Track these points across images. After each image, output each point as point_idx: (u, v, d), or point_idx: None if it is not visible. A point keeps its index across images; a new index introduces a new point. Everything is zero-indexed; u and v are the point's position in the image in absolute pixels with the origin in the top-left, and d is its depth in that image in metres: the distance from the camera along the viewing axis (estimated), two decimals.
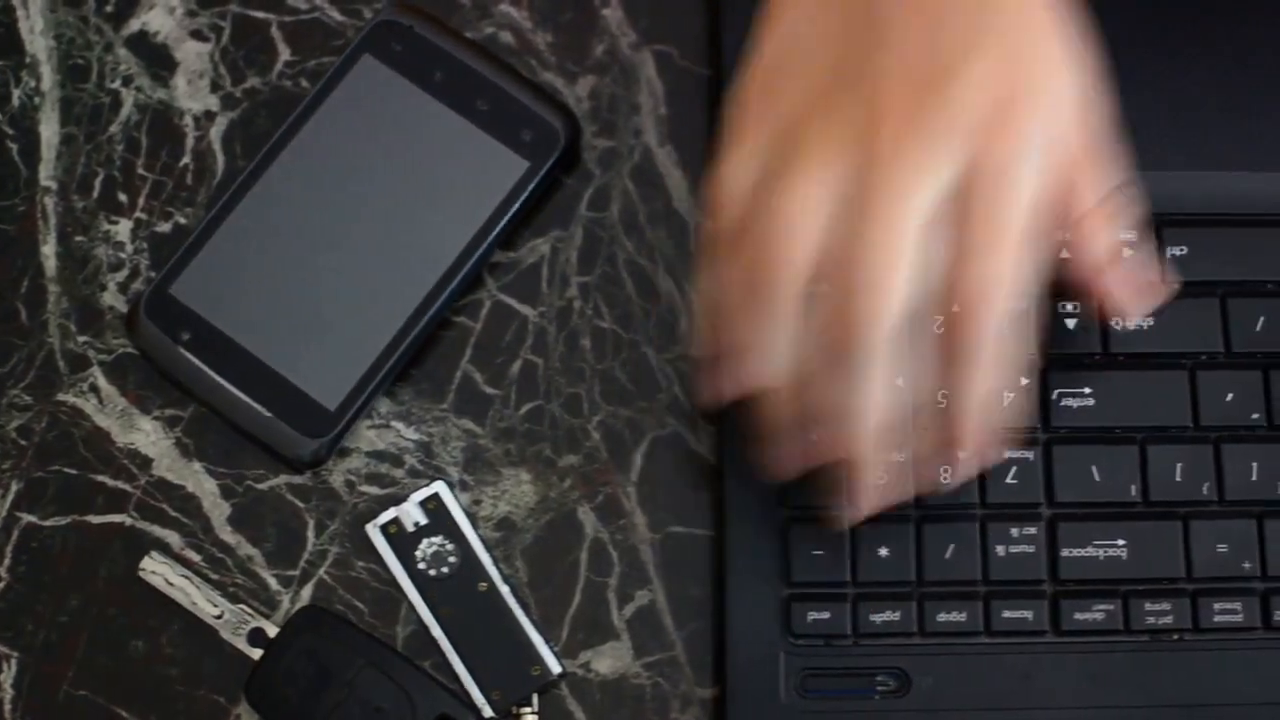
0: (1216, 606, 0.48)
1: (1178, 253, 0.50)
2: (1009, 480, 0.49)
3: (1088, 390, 0.49)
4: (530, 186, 0.51)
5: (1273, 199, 0.50)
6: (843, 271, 0.40)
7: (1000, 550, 0.48)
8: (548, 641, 0.49)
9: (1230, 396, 0.49)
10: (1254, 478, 0.49)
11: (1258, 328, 0.50)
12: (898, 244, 0.40)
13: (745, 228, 0.42)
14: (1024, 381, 0.49)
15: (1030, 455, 0.49)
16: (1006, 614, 0.48)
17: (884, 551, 0.48)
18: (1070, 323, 0.50)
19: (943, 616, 0.48)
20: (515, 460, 0.50)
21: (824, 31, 0.42)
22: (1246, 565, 0.49)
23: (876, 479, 0.44)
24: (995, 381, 0.42)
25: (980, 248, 0.40)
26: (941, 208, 0.40)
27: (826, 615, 0.48)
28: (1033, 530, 0.48)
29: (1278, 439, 0.49)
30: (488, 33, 0.53)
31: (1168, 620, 0.48)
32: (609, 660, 0.49)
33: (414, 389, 0.51)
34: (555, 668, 0.49)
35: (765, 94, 0.42)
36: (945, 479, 0.46)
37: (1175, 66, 0.51)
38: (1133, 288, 0.47)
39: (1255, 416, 0.49)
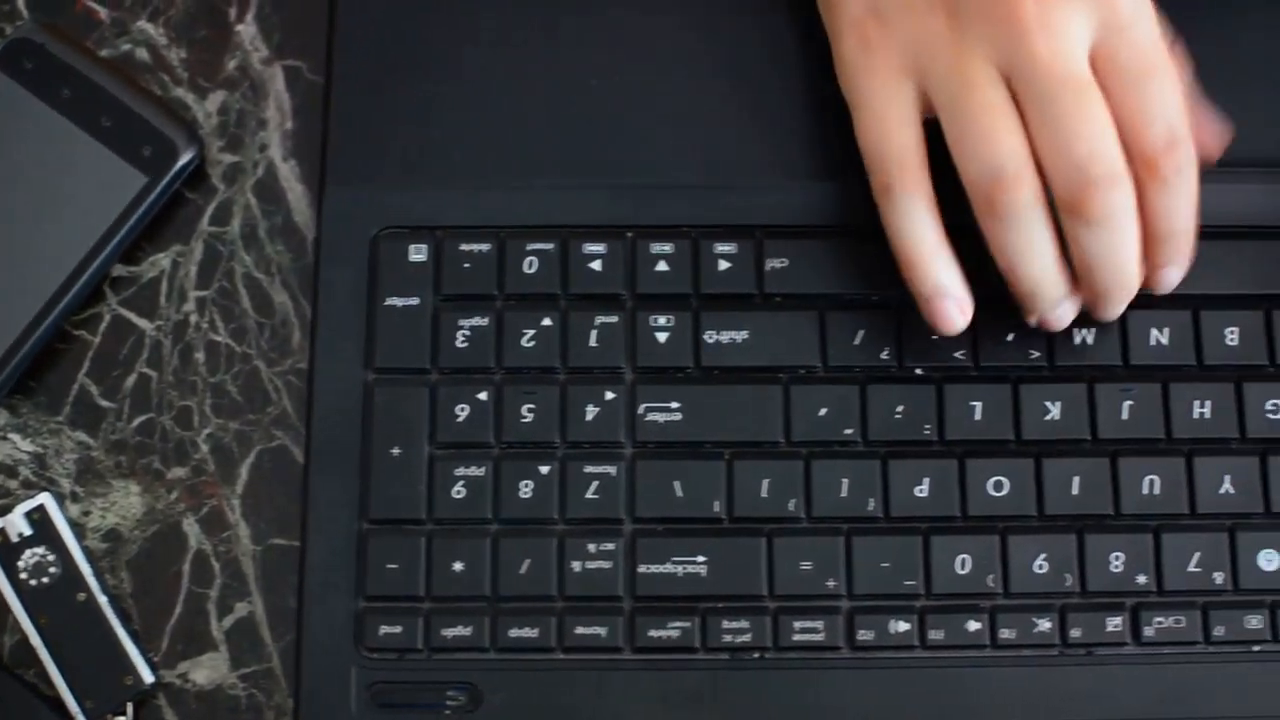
0: (797, 625, 0.48)
1: (778, 265, 0.50)
2: (590, 495, 0.48)
3: (676, 405, 0.49)
4: (148, 201, 0.51)
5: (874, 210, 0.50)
6: (1067, 154, 0.43)
7: (577, 566, 0.48)
8: (143, 651, 0.49)
9: (824, 412, 0.49)
10: (843, 494, 0.48)
11: (856, 341, 0.49)
12: (1093, 100, 0.43)
13: (920, 164, 0.45)
14: (610, 396, 0.49)
15: (613, 470, 0.48)
16: (580, 630, 0.48)
17: (459, 566, 0.48)
18: (661, 336, 0.49)
19: (515, 632, 0.48)
20: (125, 472, 0.51)
21: None
22: (831, 583, 0.48)
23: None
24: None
25: (1144, 76, 0.43)
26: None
27: (399, 629, 0.48)
28: (611, 546, 0.48)
29: (871, 455, 0.48)
30: (125, 49, 0.54)
31: (746, 638, 0.48)
32: (206, 671, 0.50)
33: (32, 401, 0.52)
34: (148, 677, 0.49)
35: (876, 37, 0.45)
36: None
37: (772, 76, 0.51)
38: (1210, 127, 0.47)
39: (849, 432, 0.49)
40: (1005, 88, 0.44)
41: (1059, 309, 0.47)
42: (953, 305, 0.46)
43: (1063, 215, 0.44)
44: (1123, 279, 0.45)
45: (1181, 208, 0.45)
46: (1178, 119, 0.44)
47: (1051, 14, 0.43)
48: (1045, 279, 0.46)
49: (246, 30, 0.54)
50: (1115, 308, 0.47)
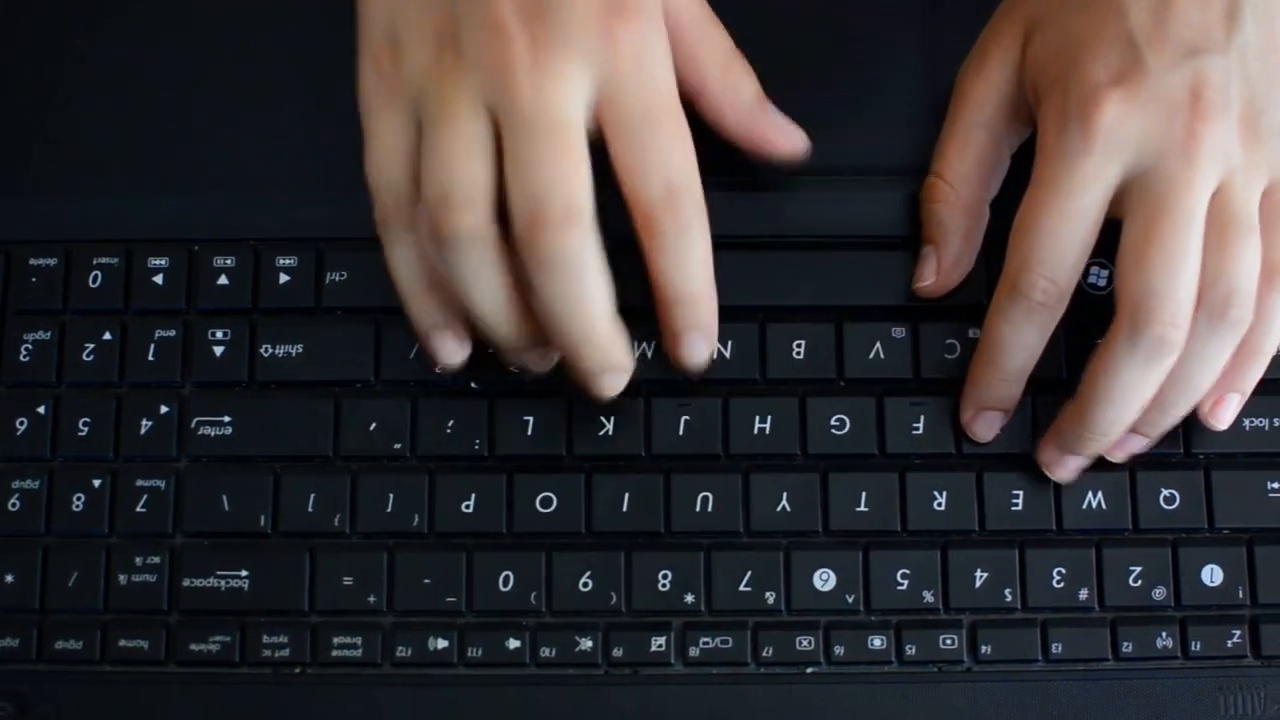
0: (336, 641, 0.48)
1: (338, 278, 0.49)
2: (140, 509, 0.48)
3: (228, 418, 0.49)
4: None
5: None
6: (525, 189, 0.41)
7: (124, 579, 0.48)
8: None
9: (374, 426, 0.48)
10: (390, 509, 0.48)
11: (411, 355, 0.49)
12: (565, 144, 0.41)
13: (414, 199, 0.43)
14: (164, 410, 0.49)
15: (163, 484, 0.49)
16: (124, 643, 0.48)
17: (10, 578, 0.48)
18: (218, 350, 0.49)
19: (61, 644, 0.48)
20: None
21: None
22: (372, 599, 0.48)
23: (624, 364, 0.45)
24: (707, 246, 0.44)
25: (643, 126, 0.42)
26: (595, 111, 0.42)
27: None
28: (158, 559, 0.48)
29: (419, 470, 0.48)
30: None
31: (286, 653, 0.48)
32: None
33: None
34: None
35: (389, 67, 0.43)
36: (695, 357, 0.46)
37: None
38: (785, 126, 0.46)
39: (398, 446, 0.48)
40: (490, 127, 0.42)
41: (525, 354, 0.46)
42: (448, 340, 0.46)
43: (519, 255, 0.42)
44: (574, 331, 0.43)
45: (685, 268, 0.43)
46: (680, 173, 0.42)
47: (543, 58, 0.42)
48: (494, 315, 0.44)
49: None
50: (585, 364, 0.44)
